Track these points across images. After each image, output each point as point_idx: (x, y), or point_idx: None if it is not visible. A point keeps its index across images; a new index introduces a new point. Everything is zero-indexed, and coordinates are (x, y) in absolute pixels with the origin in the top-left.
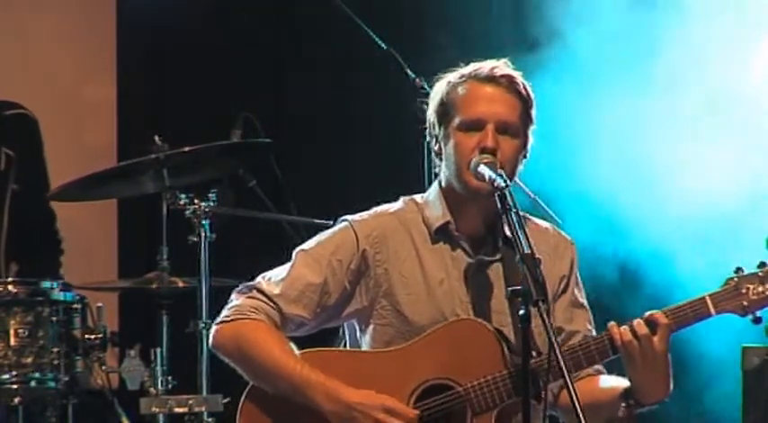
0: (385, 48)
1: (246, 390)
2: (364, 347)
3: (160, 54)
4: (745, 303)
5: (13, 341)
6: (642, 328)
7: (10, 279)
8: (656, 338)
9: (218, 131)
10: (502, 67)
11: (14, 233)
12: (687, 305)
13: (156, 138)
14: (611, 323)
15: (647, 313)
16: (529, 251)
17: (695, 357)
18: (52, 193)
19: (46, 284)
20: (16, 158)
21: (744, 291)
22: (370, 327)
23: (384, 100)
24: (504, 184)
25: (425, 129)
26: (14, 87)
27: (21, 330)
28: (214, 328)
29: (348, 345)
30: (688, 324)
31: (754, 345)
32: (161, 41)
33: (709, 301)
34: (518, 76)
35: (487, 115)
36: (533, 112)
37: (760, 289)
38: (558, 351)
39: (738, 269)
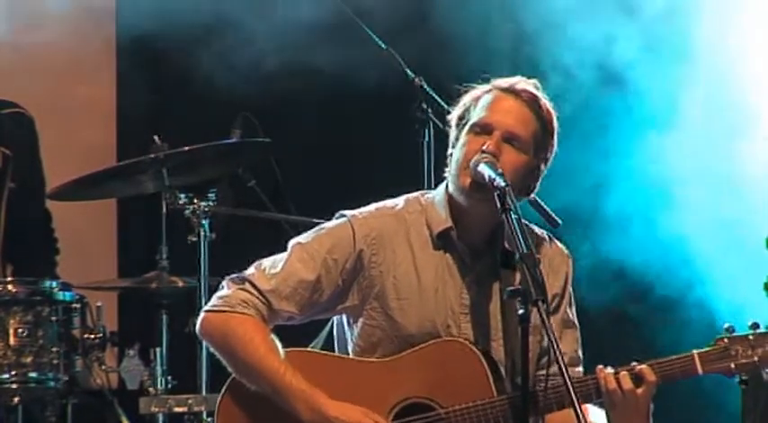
0: (384, 47)
1: (226, 384)
2: (350, 342)
3: (160, 53)
4: (732, 366)
5: (12, 341)
6: (627, 383)
7: (9, 279)
8: (639, 391)
9: (217, 131)
10: (530, 85)
11: (10, 232)
12: (675, 361)
13: (156, 137)
14: (599, 367)
15: (636, 366)
16: (528, 251)
17: None
18: (52, 193)
19: (46, 284)
20: (12, 157)
21: (733, 353)
22: (359, 324)
23: (383, 99)
24: (503, 184)
25: (424, 129)
26: (14, 86)
27: (20, 330)
28: (202, 314)
29: (335, 334)
30: (674, 380)
31: None
32: (161, 41)
33: (697, 360)
34: (544, 99)
35: (498, 122)
36: (553, 142)
37: (749, 352)
38: (557, 351)
39: (729, 328)
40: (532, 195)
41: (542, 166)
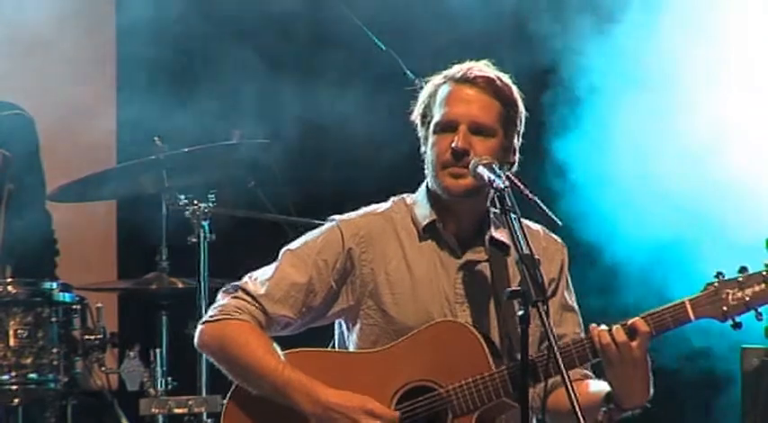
0: (384, 49)
1: (231, 390)
2: (351, 347)
3: (160, 53)
4: (724, 308)
5: (12, 342)
6: (621, 336)
7: (9, 280)
8: (634, 344)
9: (217, 132)
10: (482, 67)
11: (10, 233)
12: (667, 310)
13: (156, 138)
14: (593, 325)
15: (628, 320)
16: (528, 252)
17: (694, 357)
18: (52, 194)
19: (46, 285)
20: (12, 159)
21: (724, 296)
22: (357, 326)
23: (383, 100)
24: (502, 185)
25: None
26: (13, 88)
27: (20, 331)
28: (199, 327)
29: (336, 344)
30: (668, 329)
31: (753, 346)
32: (161, 41)
33: (688, 306)
34: (499, 77)
35: (460, 116)
36: (519, 115)
37: (739, 294)
38: (556, 351)
39: (719, 273)
40: (531, 195)
41: (516, 139)
